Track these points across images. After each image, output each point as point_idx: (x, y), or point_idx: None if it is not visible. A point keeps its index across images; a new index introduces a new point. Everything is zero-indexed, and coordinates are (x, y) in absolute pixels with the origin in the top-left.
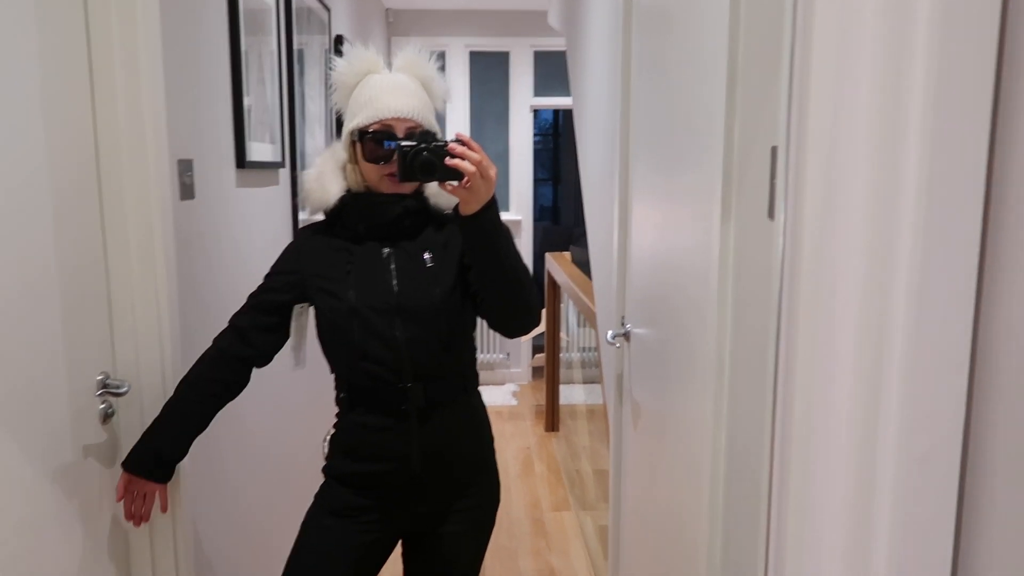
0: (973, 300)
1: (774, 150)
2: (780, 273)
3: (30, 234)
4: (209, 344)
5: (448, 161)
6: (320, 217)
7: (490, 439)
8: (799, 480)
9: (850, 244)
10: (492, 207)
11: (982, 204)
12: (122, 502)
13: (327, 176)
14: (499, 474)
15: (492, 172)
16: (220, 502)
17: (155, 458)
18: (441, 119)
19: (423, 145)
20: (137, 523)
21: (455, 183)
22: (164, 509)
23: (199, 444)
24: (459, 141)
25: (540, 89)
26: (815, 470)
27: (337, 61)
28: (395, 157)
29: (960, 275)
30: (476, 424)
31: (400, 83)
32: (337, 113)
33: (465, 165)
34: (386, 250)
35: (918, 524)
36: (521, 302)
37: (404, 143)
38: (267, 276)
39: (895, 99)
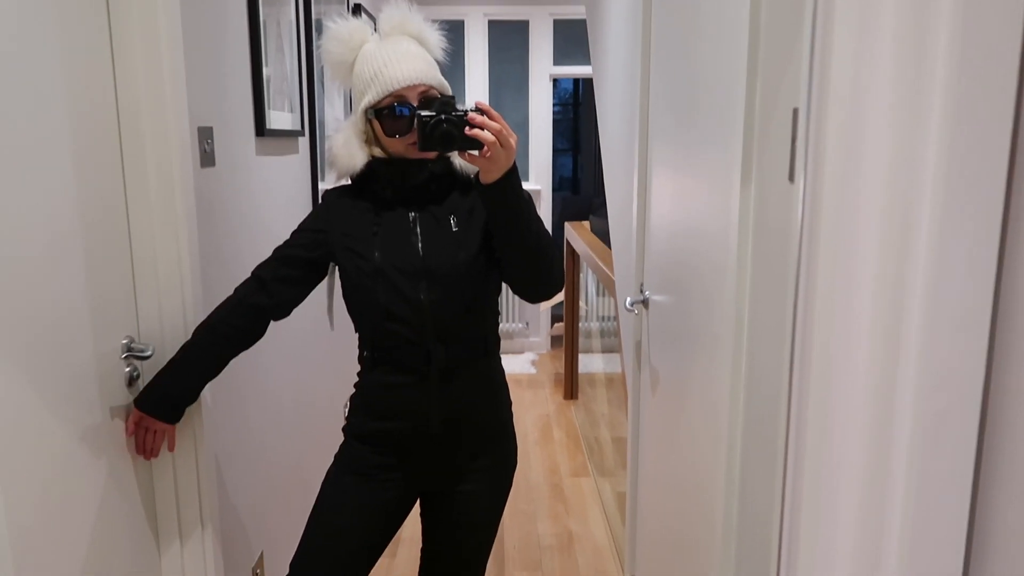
0: (995, 261)
1: (795, 112)
2: (800, 236)
3: (54, 202)
4: None
5: (468, 131)
6: (346, 181)
7: (508, 401)
8: (815, 443)
9: (870, 207)
10: (513, 175)
11: (1006, 166)
12: (132, 438)
13: (354, 142)
14: (517, 437)
15: (512, 140)
16: (244, 449)
17: (166, 399)
18: (460, 89)
19: (442, 116)
20: (147, 456)
21: (475, 152)
22: (171, 448)
23: (226, 394)
24: (479, 110)
25: (560, 58)
26: (832, 433)
27: (324, 41)
28: (415, 126)
29: (981, 236)
30: (495, 386)
31: (398, 49)
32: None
33: (484, 135)
34: (412, 214)
35: (935, 485)
36: (543, 268)
37: (423, 112)
38: (294, 232)
39: (918, 60)
